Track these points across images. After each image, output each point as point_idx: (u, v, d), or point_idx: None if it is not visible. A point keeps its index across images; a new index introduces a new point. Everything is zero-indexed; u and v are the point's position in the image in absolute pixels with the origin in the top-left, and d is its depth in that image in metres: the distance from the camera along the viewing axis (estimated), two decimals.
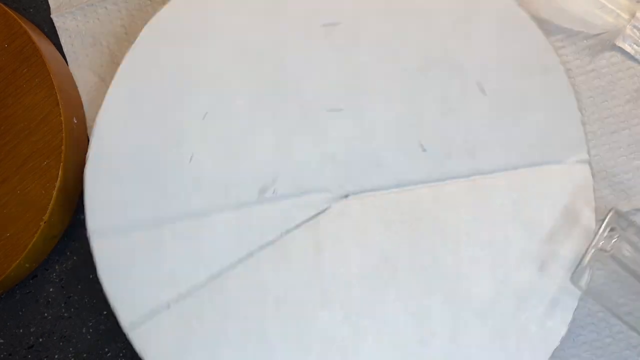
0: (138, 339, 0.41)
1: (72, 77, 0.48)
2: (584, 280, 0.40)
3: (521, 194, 0.42)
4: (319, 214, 0.43)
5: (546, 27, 0.46)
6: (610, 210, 0.40)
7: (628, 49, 0.45)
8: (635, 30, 0.45)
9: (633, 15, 0.44)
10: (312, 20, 0.43)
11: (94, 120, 0.48)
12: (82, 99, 0.49)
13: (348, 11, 0.44)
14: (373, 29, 0.44)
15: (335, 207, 0.43)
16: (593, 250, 0.39)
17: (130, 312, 0.41)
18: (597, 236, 0.39)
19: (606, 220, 0.39)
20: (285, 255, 0.42)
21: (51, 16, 0.49)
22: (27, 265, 0.45)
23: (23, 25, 0.46)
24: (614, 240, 0.39)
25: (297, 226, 0.42)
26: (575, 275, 0.40)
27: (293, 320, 0.41)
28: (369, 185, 0.43)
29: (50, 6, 0.49)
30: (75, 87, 0.48)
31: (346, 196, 0.43)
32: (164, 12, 0.43)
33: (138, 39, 0.43)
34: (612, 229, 0.39)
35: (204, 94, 0.43)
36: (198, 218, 0.42)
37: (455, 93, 0.43)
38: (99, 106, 0.48)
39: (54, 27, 0.49)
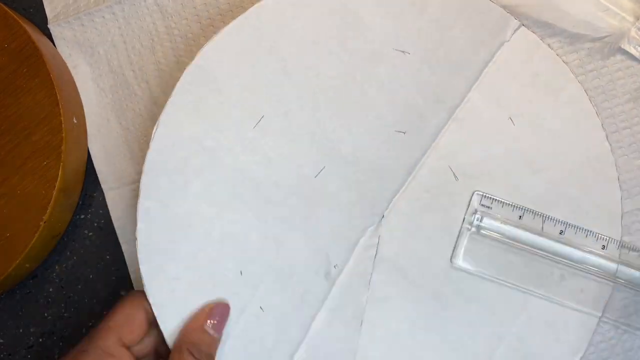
0: None
1: (72, 77, 0.48)
2: (460, 260, 0.44)
3: None
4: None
5: (551, 30, 0.46)
6: (472, 195, 0.44)
7: (633, 51, 0.45)
8: None
9: (638, 18, 0.44)
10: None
11: (93, 127, 0.49)
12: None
13: None
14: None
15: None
16: (465, 234, 0.45)
17: None
18: (463, 222, 0.44)
19: (467, 208, 0.45)
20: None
21: (48, 26, 0.49)
22: (27, 265, 0.45)
23: (23, 25, 0.45)
24: (477, 221, 0.44)
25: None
26: (453, 258, 0.44)
27: None
28: None
29: (47, 16, 0.49)
30: (75, 87, 0.48)
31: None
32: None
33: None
34: (475, 212, 0.44)
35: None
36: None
37: None
38: (98, 115, 0.49)
39: None
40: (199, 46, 0.48)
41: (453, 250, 0.44)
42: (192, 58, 0.47)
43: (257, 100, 0.45)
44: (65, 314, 0.48)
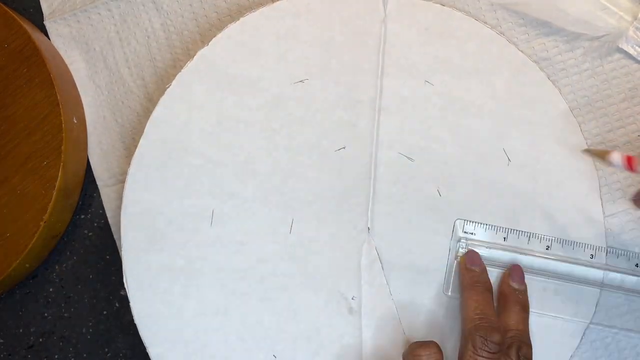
0: None
1: (72, 77, 0.49)
2: (451, 289, 0.44)
3: None
4: None
5: (548, 29, 0.46)
6: (454, 223, 0.44)
7: (631, 51, 0.45)
8: (638, 32, 0.45)
9: (636, 17, 0.45)
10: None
11: (89, 124, 0.48)
12: None
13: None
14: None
15: None
16: (454, 263, 0.44)
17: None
18: (449, 253, 0.44)
19: (452, 236, 0.44)
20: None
21: (44, 22, 0.49)
22: (27, 265, 0.45)
23: (23, 25, 0.46)
24: (462, 249, 0.44)
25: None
26: (445, 290, 0.44)
27: None
28: None
29: (43, 12, 0.49)
30: (75, 87, 0.48)
31: None
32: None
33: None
34: (459, 240, 0.44)
35: None
36: None
37: None
38: (93, 112, 0.49)
39: None
40: (195, 43, 0.48)
41: (444, 282, 0.44)
42: (188, 55, 0.48)
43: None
44: (65, 314, 0.48)
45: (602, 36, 0.45)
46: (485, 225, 0.44)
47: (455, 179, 0.45)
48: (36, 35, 0.46)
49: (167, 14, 0.49)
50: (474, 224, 0.44)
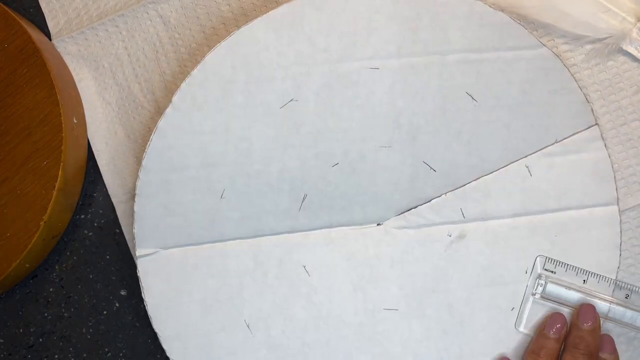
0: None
1: (72, 77, 0.48)
2: (523, 324, 0.44)
3: None
4: None
5: (551, 31, 0.45)
6: (535, 260, 0.44)
7: (634, 52, 0.44)
8: None
9: (639, 19, 0.44)
10: None
11: (100, 140, 0.48)
12: (87, 121, 0.49)
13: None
14: None
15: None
16: (529, 299, 0.44)
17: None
18: (527, 288, 0.44)
19: (532, 272, 0.44)
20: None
21: (52, 41, 0.49)
22: (27, 265, 0.45)
23: (23, 25, 0.46)
24: (541, 287, 0.43)
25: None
26: (517, 325, 0.44)
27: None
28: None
29: (50, 31, 0.49)
30: (75, 87, 0.48)
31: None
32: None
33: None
34: (539, 276, 0.44)
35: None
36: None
37: None
38: (105, 128, 0.48)
39: None
40: (204, 55, 0.47)
41: (517, 317, 0.43)
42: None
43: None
44: (65, 314, 0.48)
45: (605, 38, 0.44)
46: (566, 265, 0.43)
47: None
48: (36, 35, 0.46)
49: (175, 27, 0.48)
50: (554, 262, 0.43)
